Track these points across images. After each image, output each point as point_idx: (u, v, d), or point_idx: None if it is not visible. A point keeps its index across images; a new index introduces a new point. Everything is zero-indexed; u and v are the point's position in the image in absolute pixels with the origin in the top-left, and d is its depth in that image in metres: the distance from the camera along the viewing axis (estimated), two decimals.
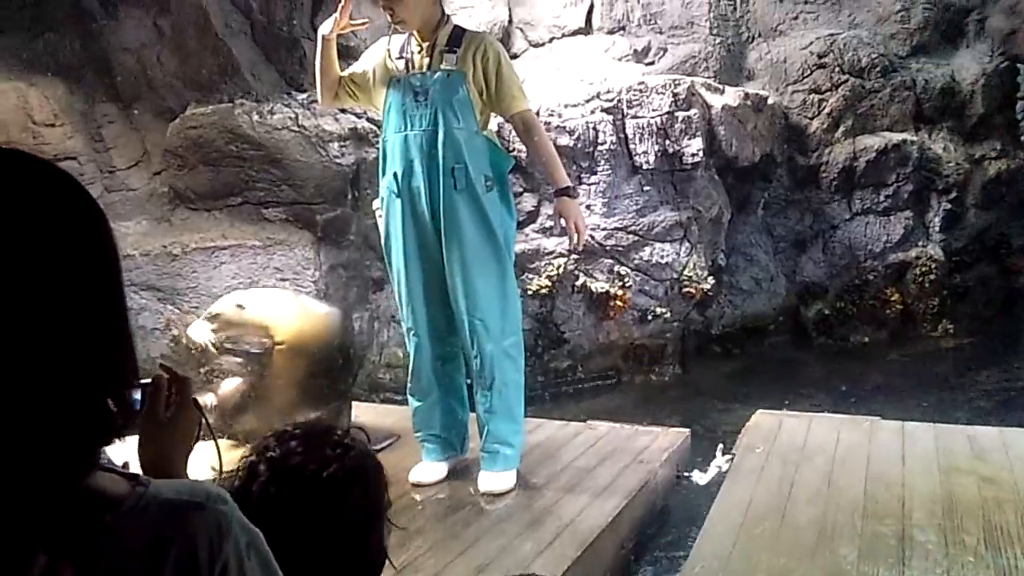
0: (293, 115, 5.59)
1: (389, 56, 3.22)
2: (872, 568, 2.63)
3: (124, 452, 1.06)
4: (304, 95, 5.92)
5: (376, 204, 3.35)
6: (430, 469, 3.37)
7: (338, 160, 5.57)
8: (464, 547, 2.85)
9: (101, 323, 0.80)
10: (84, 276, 0.79)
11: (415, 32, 3.16)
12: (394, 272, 3.29)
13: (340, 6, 3.20)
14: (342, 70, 3.36)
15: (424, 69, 3.13)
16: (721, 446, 3.87)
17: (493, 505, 3.17)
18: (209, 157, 5.62)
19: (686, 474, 3.78)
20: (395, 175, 3.15)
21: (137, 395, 1.13)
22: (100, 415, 0.79)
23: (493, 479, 3.25)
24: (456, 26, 3.19)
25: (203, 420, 1.21)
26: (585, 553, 2.80)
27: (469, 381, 3.42)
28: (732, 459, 3.68)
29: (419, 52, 3.15)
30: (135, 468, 1.10)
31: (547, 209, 5.86)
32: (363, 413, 4.04)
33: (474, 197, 3.10)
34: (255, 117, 5.56)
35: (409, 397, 3.42)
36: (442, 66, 3.10)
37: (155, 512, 0.78)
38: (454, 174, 3.07)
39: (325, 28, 3.24)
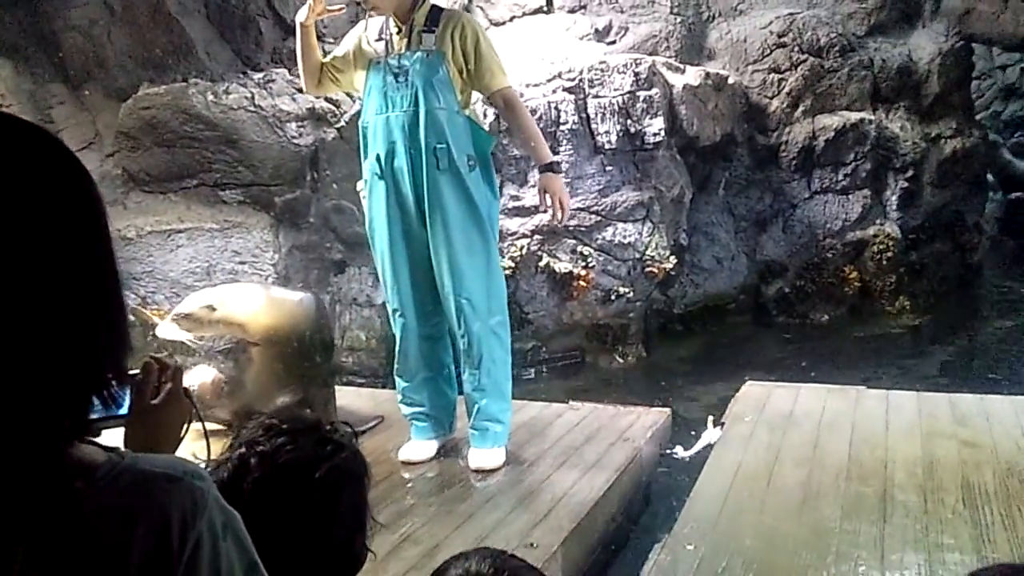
0: (249, 95, 5.48)
1: (367, 39, 3.20)
2: (855, 526, 2.73)
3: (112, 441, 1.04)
4: (260, 74, 5.81)
5: (360, 186, 3.34)
6: (419, 447, 3.39)
7: (296, 141, 5.48)
8: (460, 521, 2.90)
9: (96, 288, 0.79)
10: (74, 242, 0.77)
11: (392, 14, 3.14)
12: (378, 254, 3.29)
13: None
14: (323, 55, 3.33)
15: (403, 50, 3.11)
16: (711, 417, 3.97)
17: (484, 481, 3.22)
18: (163, 138, 5.49)
19: (669, 451, 3.87)
20: (377, 157, 3.15)
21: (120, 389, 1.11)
22: (91, 381, 0.78)
23: (484, 456, 3.28)
24: (433, 5, 3.17)
25: (193, 408, 1.19)
26: (579, 525, 2.87)
27: (455, 361, 3.43)
28: (721, 428, 3.78)
29: (397, 33, 3.14)
30: None
31: (510, 189, 5.83)
32: (344, 396, 4.03)
33: (457, 176, 3.11)
34: (210, 97, 5.44)
35: (396, 377, 3.43)
36: (420, 46, 3.09)
37: (128, 482, 0.76)
38: (436, 154, 3.07)
39: (301, 15, 3.21)
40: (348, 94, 5.64)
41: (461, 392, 3.44)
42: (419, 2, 3.14)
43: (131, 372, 1.13)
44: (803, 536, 2.69)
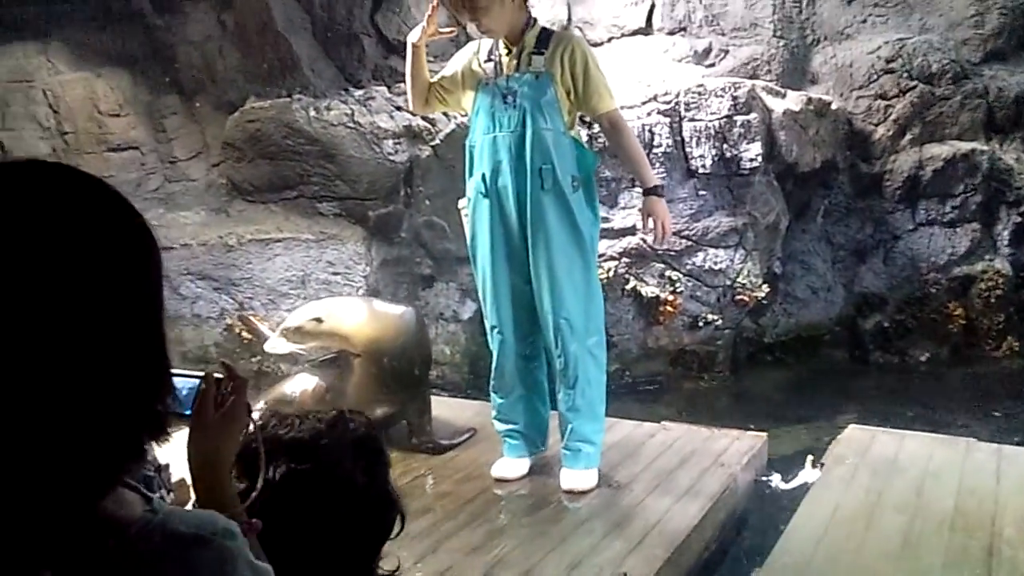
0: (349, 111, 5.63)
1: (477, 60, 3.27)
2: None
3: (171, 450, 1.08)
4: (361, 91, 5.96)
5: (462, 204, 3.42)
6: (512, 465, 3.45)
7: (392, 157, 5.60)
8: (553, 544, 2.90)
9: (138, 342, 0.79)
10: (125, 294, 0.78)
11: (503, 36, 3.20)
12: (479, 271, 3.37)
13: (427, 14, 3.24)
14: (430, 76, 3.41)
15: (512, 71, 3.17)
16: (811, 457, 3.89)
17: (576, 503, 3.24)
18: (266, 151, 5.70)
19: (764, 478, 3.81)
20: (483, 176, 3.23)
21: (189, 391, 1.15)
22: (128, 435, 0.79)
23: (576, 477, 3.32)
24: (543, 27, 3.23)
25: (251, 424, 1.20)
26: (673, 555, 2.86)
27: (550, 379, 3.48)
28: (820, 467, 3.71)
29: (507, 55, 3.21)
30: (177, 467, 1.11)
31: (604, 212, 5.80)
32: (437, 406, 4.12)
33: (561, 197, 3.16)
34: (312, 112, 5.62)
35: (492, 393, 3.49)
36: (530, 68, 3.15)
37: (159, 542, 0.77)
38: (541, 174, 3.13)
39: (413, 36, 3.30)
40: (445, 113, 5.73)
41: (554, 408, 3.47)
42: (530, 24, 3.19)
43: (196, 374, 1.17)
44: None
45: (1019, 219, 6.37)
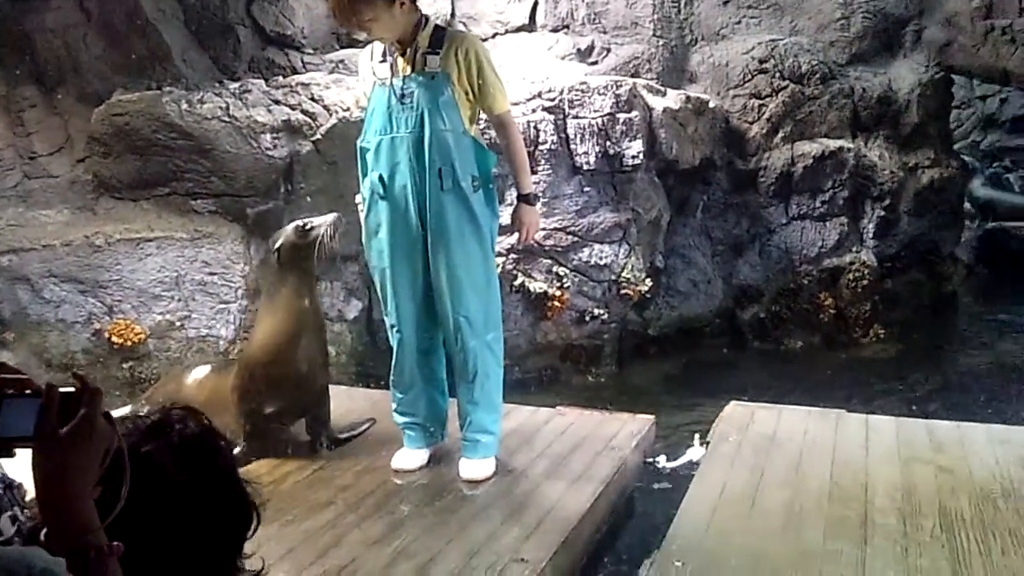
0: (224, 104, 5.42)
1: (373, 61, 3.25)
2: (837, 547, 2.84)
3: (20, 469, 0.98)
4: (237, 84, 5.76)
5: (358, 199, 3.40)
6: (411, 456, 3.49)
7: (270, 152, 5.42)
8: (453, 533, 2.98)
9: None
10: None
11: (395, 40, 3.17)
12: (377, 270, 3.39)
13: None
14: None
15: (407, 72, 3.15)
16: (697, 435, 4.11)
17: (475, 491, 3.32)
18: (135, 145, 5.42)
19: (652, 460, 3.98)
20: (380, 177, 3.21)
21: (27, 410, 1.04)
22: None
23: (474, 466, 3.38)
24: (437, 26, 3.22)
25: (117, 437, 1.10)
26: (568, 538, 2.96)
27: (448, 371, 3.53)
28: (706, 446, 3.89)
29: (401, 55, 3.17)
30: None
31: None
32: (337, 396, 4.10)
33: (461, 197, 3.17)
34: (184, 105, 5.37)
35: (392, 388, 3.51)
36: (425, 68, 3.13)
37: None
38: (441, 175, 3.13)
39: None
40: (325, 107, 5.60)
41: (452, 397, 3.52)
42: (422, 24, 3.17)
43: (30, 391, 1.07)
44: (788, 557, 2.79)
45: (883, 213, 6.73)
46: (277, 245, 3.51)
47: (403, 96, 3.13)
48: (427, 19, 3.22)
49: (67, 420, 1.06)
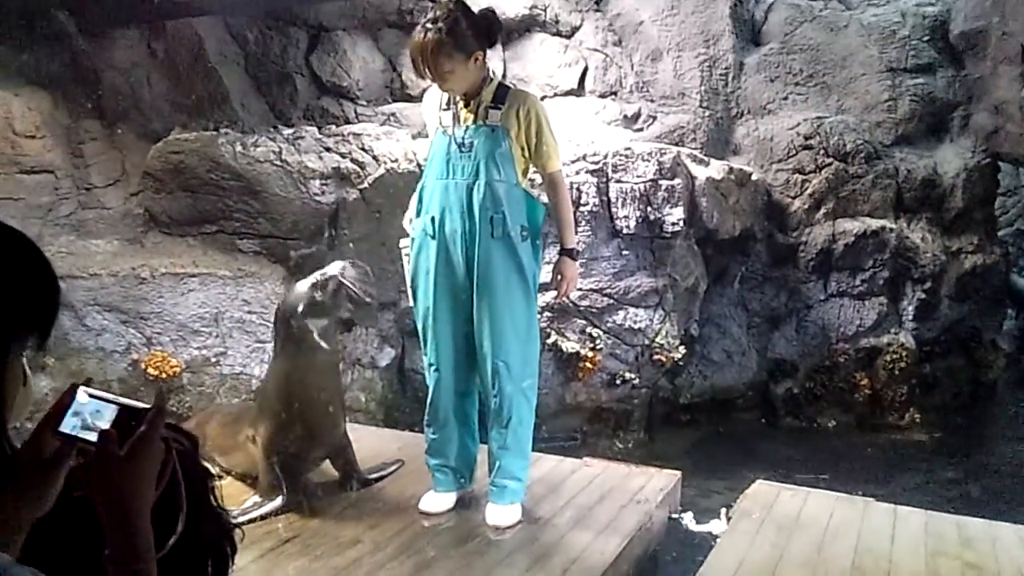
0: (277, 149, 5.56)
1: (438, 107, 3.39)
2: None
3: None
4: (290, 130, 5.90)
5: (403, 243, 3.51)
6: (439, 499, 3.55)
7: (318, 198, 5.53)
8: None
9: None
10: None
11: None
12: (420, 309, 3.44)
13: None
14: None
15: (469, 123, 3.29)
16: (724, 509, 4.07)
17: (501, 537, 3.35)
18: (188, 183, 5.56)
19: (678, 516, 3.99)
20: (432, 219, 3.31)
21: (102, 420, 1.05)
22: None
23: (501, 512, 3.43)
24: (500, 84, 3.36)
25: (173, 460, 1.09)
26: None
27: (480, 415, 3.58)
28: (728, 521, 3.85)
29: (464, 107, 3.31)
30: None
31: None
32: (365, 437, 4.21)
33: (509, 245, 3.27)
34: (238, 148, 5.52)
35: (425, 428, 3.56)
36: (487, 121, 3.26)
37: None
38: (492, 223, 3.25)
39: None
40: (375, 157, 5.72)
41: (483, 442, 3.56)
42: (487, 80, 3.32)
43: (123, 402, 1.07)
44: None
45: (923, 295, 6.66)
46: (300, 308, 3.45)
47: (462, 145, 3.27)
48: (493, 76, 3.37)
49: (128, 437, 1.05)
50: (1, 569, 0.78)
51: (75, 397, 1.06)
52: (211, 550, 1.29)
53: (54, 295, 0.83)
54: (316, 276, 3.51)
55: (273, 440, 3.52)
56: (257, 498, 3.53)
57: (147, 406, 1.09)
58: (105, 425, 1.06)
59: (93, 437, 1.04)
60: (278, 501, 3.48)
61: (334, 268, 3.54)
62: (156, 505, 1.08)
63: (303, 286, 3.50)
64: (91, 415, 1.06)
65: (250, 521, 3.35)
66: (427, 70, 3.18)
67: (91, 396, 1.07)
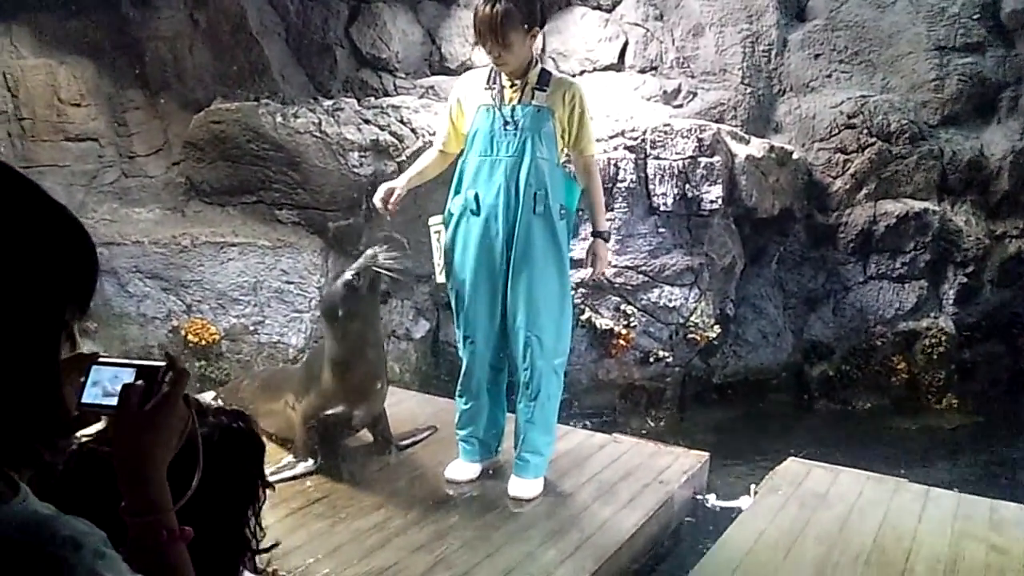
0: (317, 120, 5.59)
1: (480, 87, 3.44)
2: None
3: None
4: (330, 102, 5.93)
5: (434, 220, 3.57)
6: (465, 468, 3.66)
7: (356, 170, 5.56)
8: (492, 550, 3.08)
9: (24, 356, 0.78)
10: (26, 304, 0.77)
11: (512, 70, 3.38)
12: (456, 283, 3.51)
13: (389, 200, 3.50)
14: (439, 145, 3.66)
15: (515, 102, 3.35)
16: (753, 486, 4.06)
17: (520, 509, 3.43)
18: (229, 153, 5.62)
19: (702, 497, 4.01)
20: (476, 195, 3.38)
21: (118, 380, 1.09)
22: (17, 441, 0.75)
23: (523, 485, 3.52)
24: (544, 68, 3.43)
25: (192, 419, 1.13)
26: (603, 567, 3.02)
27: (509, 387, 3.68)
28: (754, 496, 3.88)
29: (510, 86, 3.38)
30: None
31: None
32: (403, 401, 4.43)
33: (549, 222, 3.36)
34: (278, 118, 5.56)
35: (457, 398, 3.67)
36: (532, 101, 3.33)
37: None
38: (535, 199, 3.32)
39: (378, 203, 3.55)
40: (413, 130, 5.73)
41: (511, 411, 3.65)
42: (533, 63, 3.38)
43: (138, 363, 1.11)
44: None
45: (965, 279, 6.54)
46: (342, 303, 3.53)
47: (507, 122, 3.32)
48: (538, 60, 3.43)
49: (150, 396, 1.08)
50: (52, 522, 0.80)
51: (89, 371, 1.09)
52: (252, 519, 1.35)
53: (94, 266, 0.86)
54: (350, 273, 3.57)
55: (316, 409, 3.62)
56: (291, 458, 3.66)
57: (160, 364, 1.12)
58: (118, 387, 1.09)
59: (115, 401, 1.08)
60: (310, 463, 3.61)
61: (367, 258, 3.59)
62: (178, 464, 1.12)
63: (341, 283, 3.57)
64: (110, 382, 1.09)
65: (281, 480, 3.45)
66: (491, 40, 3.21)
67: (106, 364, 1.10)
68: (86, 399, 1.07)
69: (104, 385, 1.08)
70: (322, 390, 3.62)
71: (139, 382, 1.09)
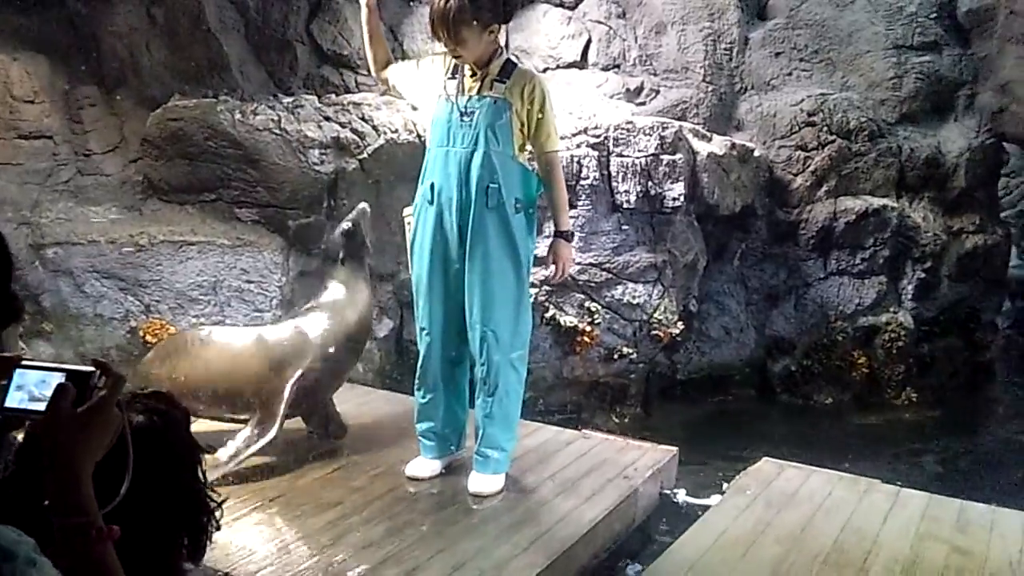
0: (276, 117, 5.52)
1: (444, 73, 3.41)
2: None
3: None
4: (290, 99, 5.86)
5: (407, 212, 3.57)
6: (426, 465, 3.63)
7: (317, 167, 5.51)
8: (445, 545, 3.06)
9: None
10: None
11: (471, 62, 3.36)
12: (414, 275, 3.51)
13: None
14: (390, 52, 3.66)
15: (473, 93, 3.32)
16: (726, 485, 4.04)
17: (479, 506, 3.40)
18: (187, 151, 5.53)
19: (670, 492, 3.98)
20: (431, 185, 3.37)
21: (46, 385, 1.07)
22: None
23: (483, 481, 3.48)
24: (509, 60, 3.40)
25: (125, 424, 1.12)
26: (556, 561, 2.99)
27: (470, 383, 3.64)
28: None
29: (471, 76, 3.35)
30: None
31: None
32: (375, 399, 4.48)
33: (503, 216, 3.31)
34: (237, 116, 5.49)
35: (415, 392, 3.64)
36: (490, 92, 3.30)
37: None
38: (488, 192, 3.28)
39: None
40: (375, 128, 5.68)
41: (472, 406, 3.62)
42: (497, 53, 3.35)
43: (67, 367, 1.09)
44: None
45: (923, 275, 6.65)
46: (345, 253, 3.93)
47: (464, 114, 3.30)
48: (503, 51, 3.39)
49: (83, 400, 1.08)
50: None
51: (12, 375, 1.06)
52: (185, 524, 1.32)
53: (9, 266, 0.84)
54: (346, 223, 3.97)
55: (308, 367, 3.69)
56: (249, 431, 3.53)
57: (90, 369, 1.11)
58: (45, 390, 1.07)
59: (41, 407, 1.05)
60: (274, 432, 3.52)
61: (358, 212, 3.97)
62: (109, 465, 1.11)
63: (338, 232, 3.98)
64: (36, 386, 1.07)
65: (242, 460, 3.41)
66: (444, 35, 3.20)
67: (31, 367, 1.07)
68: (8, 403, 1.05)
69: (29, 389, 1.06)
70: (321, 343, 3.73)
71: (69, 385, 1.06)
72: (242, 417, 3.65)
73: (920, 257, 6.65)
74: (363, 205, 4.01)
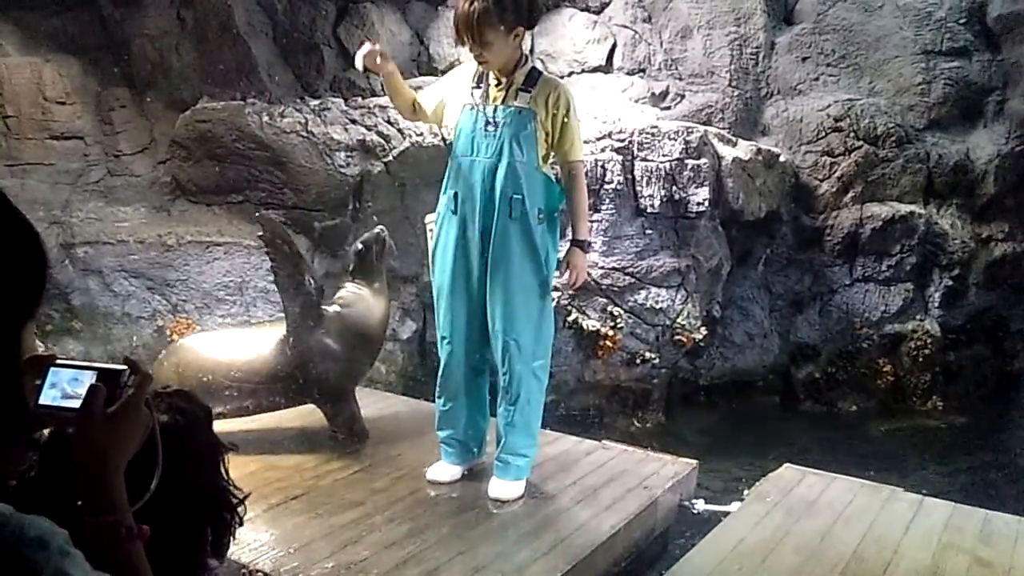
0: (303, 120, 5.58)
1: (468, 83, 3.39)
2: None
3: None
4: (317, 101, 5.91)
5: (429, 219, 3.56)
6: (446, 469, 3.63)
7: (343, 170, 5.55)
8: (466, 547, 3.06)
9: None
10: None
11: (496, 69, 3.32)
12: (436, 283, 3.49)
13: (365, 52, 3.28)
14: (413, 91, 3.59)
15: (499, 102, 3.30)
16: (747, 492, 4.02)
17: (499, 510, 3.40)
18: (215, 152, 5.60)
19: (689, 503, 3.96)
20: (455, 195, 3.35)
21: (79, 383, 1.09)
22: None
23: (503, 487, 3.48)
24: (534, 68, 3.36)
25: (153, 422, 1.14)
26: (576, 567, 2.98)
27: (491, 391, 3.65)
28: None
29: (496, 86, 3.33)
30: None
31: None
32: (395, 404, 4.54)
33: (526, 227, 3.28)
34: (265, 118, 5.54)
35: (436, 399, 3.63)
36: (515, 102, 3.28)
37: None
38: (511, 203, 3.26)
39: (358, 64, 3.34)
40: (400, 131, 5.72)
41: (494, 416, 3.62)
42: (522, 62, 3.32)
43: (98, 366, 1.11)
44: None
45: (950, 282, 6.58)
46: (354, 268, 4.14)
47: (488, 123, 3.28)
48: (528, 59, 3.36)
49: (113, 399, 1.09)
50: (16, 522, 0.79)
51: (47, 373, 1.08)
52: (209, 521, 1.34)
53: (45, 267, 0.86)
54: (359, 244, 4.15)
55: (343, 379, 3.94)
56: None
57: (122, 367, 1.12)
58: (79, 389, 1.09)
59: (75, 404, 1.07)
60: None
61: (373, 233, 4.14)
62: (137, 464, 1.13)
63: (352, 250, 4.18)
64: (69, 383, 1.08)
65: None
66: (468, 38, 3.17)
67: (64, 366, 1.09)
68: (43, 401, 1.07)
69: (63, 387, 1.08)
70: (350, 356, 3.93)
71: (101, 385, 1.08)
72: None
73: (948, 264, 6.58)
74: (379, 229, 4.15)
